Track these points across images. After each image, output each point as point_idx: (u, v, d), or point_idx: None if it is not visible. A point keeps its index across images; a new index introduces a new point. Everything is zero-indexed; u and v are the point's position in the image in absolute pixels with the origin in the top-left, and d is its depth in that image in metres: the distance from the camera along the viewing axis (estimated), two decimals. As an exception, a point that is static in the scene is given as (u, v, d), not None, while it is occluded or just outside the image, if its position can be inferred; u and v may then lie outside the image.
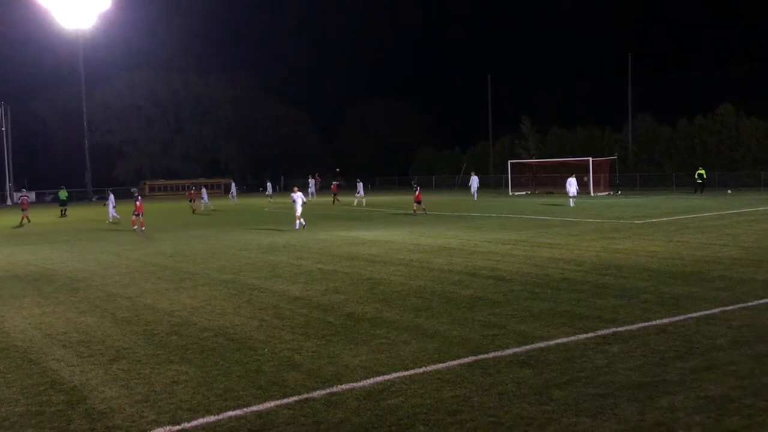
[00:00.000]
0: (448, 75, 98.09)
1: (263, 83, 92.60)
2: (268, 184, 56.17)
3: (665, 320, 9.63)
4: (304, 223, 26.28)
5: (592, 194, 47.00)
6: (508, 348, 8.51)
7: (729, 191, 45.49)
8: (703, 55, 76.73)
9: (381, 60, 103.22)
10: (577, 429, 5.98)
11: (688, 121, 57.14)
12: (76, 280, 15.32)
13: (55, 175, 69.67)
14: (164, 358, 8.65)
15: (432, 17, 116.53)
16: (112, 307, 12.01)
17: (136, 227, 28.20)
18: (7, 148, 70.88)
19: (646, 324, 9.45)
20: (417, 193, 32.43)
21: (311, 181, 55.17)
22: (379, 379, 7.48)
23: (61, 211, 41.96)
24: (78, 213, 44.55)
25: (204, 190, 44.62)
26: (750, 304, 10.55)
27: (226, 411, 6.67)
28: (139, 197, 29.56)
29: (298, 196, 26.52)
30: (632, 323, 9.51)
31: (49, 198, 69.02)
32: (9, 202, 67.34)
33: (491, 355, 8.24)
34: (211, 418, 6.50)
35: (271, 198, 52.54)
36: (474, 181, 46.04)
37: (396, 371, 7.71)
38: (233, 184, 57.51)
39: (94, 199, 65.56)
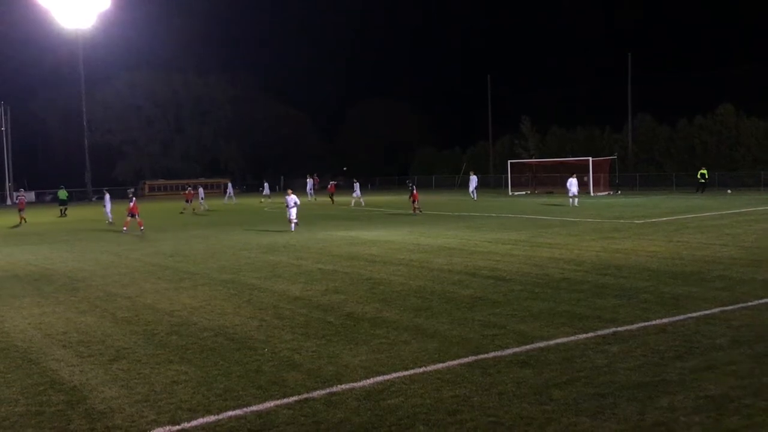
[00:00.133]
0: (448, 75, 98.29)
1: (263, 83, 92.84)
2: (265, 184, 56.01)
3: (665, 320, 9.64)
4: (296, 221, 25.91)
5: (591, 194, 47.01)
6: (508, 348, 8.51)
7: (729, 191, 45.51)
8: (703, 55, 76.79)
9: (381, 60, 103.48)
10: (577, 429, 5.98)
11: (688, 121, 57.16)
12: (76, 280, 15.32)
13: (54, 175, 69.73)
14: (164, 358, 8.65)
15: (432, 17, 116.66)
16: (112, 307, 12.01)
17: (126, 228, 27.07)
18: (7, 148, 70.90)
19: (646, 324, 9.45)
20: (413, 192, 32.62)
21: (309, 181, 55.14)
22: (379, 379, 7.48)
23: (61, 210, 41.93)
24: (78, 213, 44.54)
25: (201, 190, 44.41)
26: (750, 303, 10.55)
27: (226, 411, 6.67)
28: (134, 198, 28.63)
29: (292, 199, 25.68)
30: (632, 323, 9.51)
31: (48, 198, 69.04)
32: (9, 202, 67.37)
33: (491, 355, 8.24)
34: (211, 418, 6.50)
35: (267, 198, 51.73)
36: (473, 180, 45.96)
37: (396, 371, 7.71)
38: (230, 185, 57.41)
39: (93, 199, 65.54)
